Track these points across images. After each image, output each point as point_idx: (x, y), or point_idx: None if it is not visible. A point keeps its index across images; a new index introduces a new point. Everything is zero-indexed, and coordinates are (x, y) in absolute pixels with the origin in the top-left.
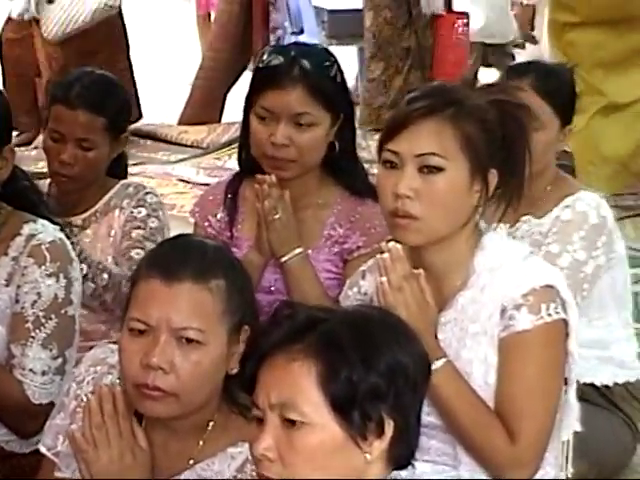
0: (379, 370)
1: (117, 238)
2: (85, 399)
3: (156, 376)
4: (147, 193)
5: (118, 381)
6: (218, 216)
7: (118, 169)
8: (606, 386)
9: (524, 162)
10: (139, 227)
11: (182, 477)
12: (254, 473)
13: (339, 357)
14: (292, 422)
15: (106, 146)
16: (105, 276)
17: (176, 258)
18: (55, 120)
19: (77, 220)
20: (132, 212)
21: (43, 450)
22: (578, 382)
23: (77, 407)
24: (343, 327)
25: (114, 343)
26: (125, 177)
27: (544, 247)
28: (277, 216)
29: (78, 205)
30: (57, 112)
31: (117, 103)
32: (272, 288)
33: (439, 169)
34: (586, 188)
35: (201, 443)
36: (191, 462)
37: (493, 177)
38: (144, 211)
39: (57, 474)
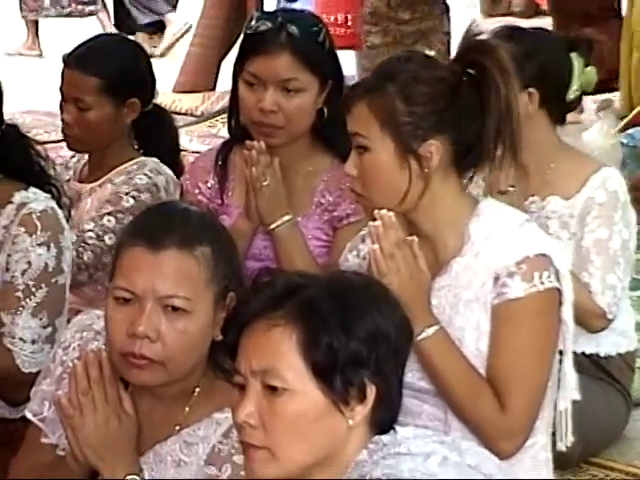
0: (360, 336)
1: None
2: (71, 365)
3: (142, 344)
4: (139, 174)
5: (104, 347)
6: (208, 183)
7: (165, 146)
8: (605, 357)
9: (488, 123)
10: (110, 201)
11: (168, 443)
12: None
13: (319, 323)
14: (274, 389)
15: (106, 109)
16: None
17: (161, 225)
18: (61, 80)
19: (85, 188)
20: (118, 188)
21: (29, 416)
22: (575, 353)
23: (63, 373)
24: (323, 293)
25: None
26: (177, 154)
27: (588, 234)
28: (266, 183)
29: (92, 172)
30: (62, 72)
31: (117, 66)
32: (261, 255)
33: (365, 149)
34: (601, 162)
35: (187, 409)
36: (177, 428)
37: (436, 148)
38: (124, 188)
39: (43, 440)
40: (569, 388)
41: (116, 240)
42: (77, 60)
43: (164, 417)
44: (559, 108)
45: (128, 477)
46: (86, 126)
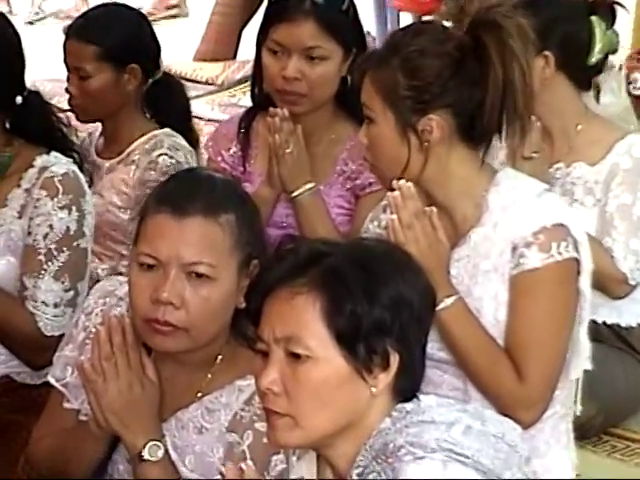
0: (383, 303)
1: (130, 197)
2: (94, 330)
3: (166, 311)
4: (161, 155)
5: (127, 313)
6: (231, 151)
7: (177, 115)
8: (626, 327)
9: (489, 101)
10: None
11: (189, 409)
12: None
13: (343, 291)
14: (297, 356)
15: (106, 76)
16: None
17: (186, 192)
18: (63, 52)
19: (104, 164)
20: (144, 176)
21: (52, 381)
22: (595, 323)
23: (86, 338)
24: (346, 261)
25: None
26: (189, 122)
27: (612, 200)
28: (288, 150)
29: (109, 147)
30: (64, 44)
31: (115, 33)
32: (283, 223)
33: (371, 120)
34: (626, 129)
35: (209, 376)
36: (199, 395)
37: (437, 122)
38: (154, 175)
39: (65, 405)
40: (583, 357)
41: (141, 206)
42: (76, 30)
43: (186, 383)
44: (581, 73)
45: (150, 443)
46: (88, 95)
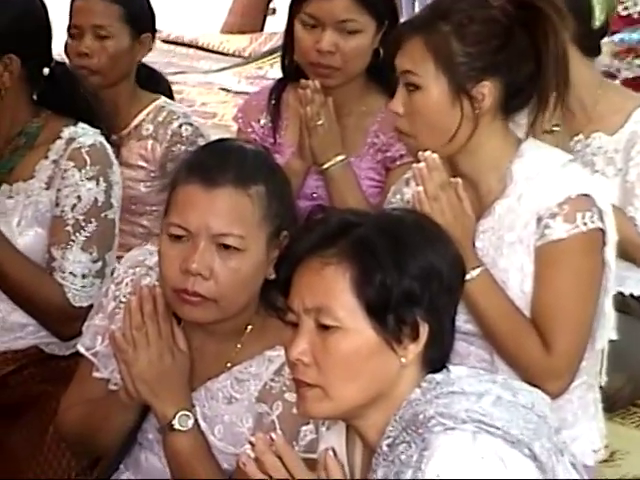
0: (413, 273)
1: (151, 171)
2: (124, 300)
3: (195, 282)
4: (181, 125)
5: (157, 283)
6: (261, 122)
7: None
8: None
9: (546, 66)
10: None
11: (219, 379)
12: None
13: (373, 261)
14: (327, 327)
15: (125, 39)
16: None
17: (216, 163)
18: (73, 15)
19: (112, 137)
20: (172, 150)
21: (82, 350)
22: (622, 295)
23: (116, 308)
24: (376, 231)
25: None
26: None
27: (632, 168)
28: (320, 122)
29: (113, 119)
30: (75, 6)
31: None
32: (314, 195)
33: (417, 87)
34: None
35: (238, 346)
36: (228, 365)
37: (488, 90)
38: (183, 147)
39: (95, 374)
40: (608, 328)
41: (172, 176)
42: None
43: (216, 353)
44: (589, 39)
45: (180, 412)
46: (105, 55)
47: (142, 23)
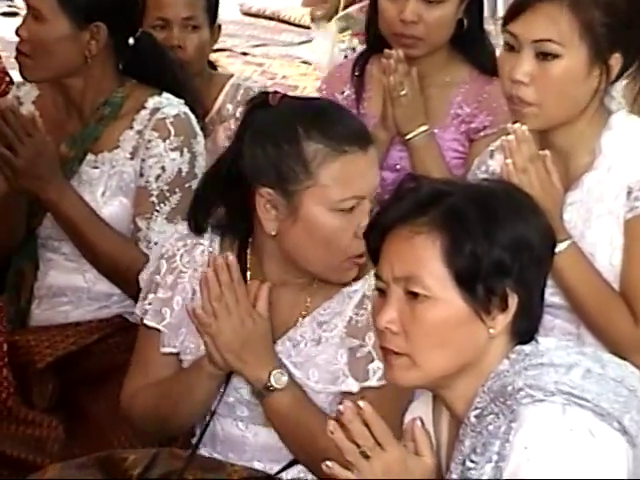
0: (503, 244)
1: None
2: (184, 270)
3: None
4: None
5: (211, 249)
6: (345, 93)
7: None
8: None
9: None
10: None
11: (300, 326)
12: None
13: (463, 231)
14: (415, 295)
15: (207, 29)
16: None
17: (348, 125)
18: (158, 9)
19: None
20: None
21: (151, 324)
22: None
23: (177, 279)
24: (467, 201)
25: None
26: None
27: None
28: (403, 92)
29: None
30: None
31: None
32: (397, 166)
33: (555, 56)
34: None
35: (308, 299)
36: (303, 313)
37: (616, 61)
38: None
39: (163, 349)
40: None
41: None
42: None
43: (290, 304)
44: None
45: (273, 371)
46: (194, 46)
47: (216, 12)
